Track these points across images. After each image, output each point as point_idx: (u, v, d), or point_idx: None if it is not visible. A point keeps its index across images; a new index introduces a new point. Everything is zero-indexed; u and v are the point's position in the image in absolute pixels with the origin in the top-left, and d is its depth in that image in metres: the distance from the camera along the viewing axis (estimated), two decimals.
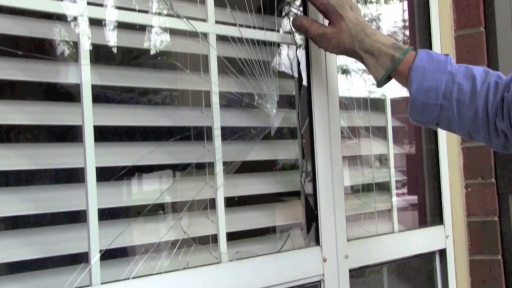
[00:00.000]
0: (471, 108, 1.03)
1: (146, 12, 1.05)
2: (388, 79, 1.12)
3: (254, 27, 1.19)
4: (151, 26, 1.08)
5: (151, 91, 1.15)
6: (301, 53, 1.29)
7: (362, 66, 1.31)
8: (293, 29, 1.19)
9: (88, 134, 0.94)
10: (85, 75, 0.95)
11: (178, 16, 1.08)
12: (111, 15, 1.00)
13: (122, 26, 1.03)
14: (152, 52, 1.15)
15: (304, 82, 1.30)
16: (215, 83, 1.12)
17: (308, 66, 1.28)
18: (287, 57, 1.25)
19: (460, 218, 1.70)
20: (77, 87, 0.95)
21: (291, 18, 1.18)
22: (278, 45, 1.25)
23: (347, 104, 1.50)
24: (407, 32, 1.80)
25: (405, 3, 1.79)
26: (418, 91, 1.04)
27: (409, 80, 1.05)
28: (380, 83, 1.11)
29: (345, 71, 1.48)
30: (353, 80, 1.51)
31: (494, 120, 1.02)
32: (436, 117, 1.06)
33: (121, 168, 1.03)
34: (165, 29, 1.09)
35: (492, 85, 1.03)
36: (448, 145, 1.69)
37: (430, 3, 1.70)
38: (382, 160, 1.60)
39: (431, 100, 1.04)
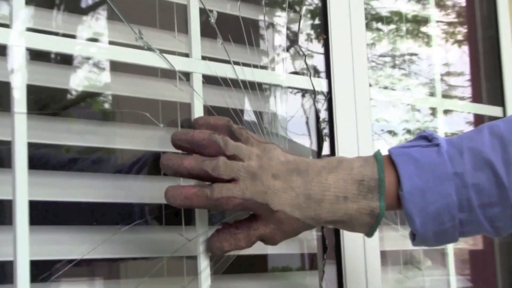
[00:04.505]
0: (505, 207, 0.86)
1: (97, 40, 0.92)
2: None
3: (255, 66, 1.06)
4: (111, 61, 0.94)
5: (109, 155, 1.00)
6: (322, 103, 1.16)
7: None
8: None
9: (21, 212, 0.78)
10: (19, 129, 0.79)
11: (149, 49, 0.94)
12: (51, 43, 0.85)
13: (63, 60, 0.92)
14: (109, 98, 0.99)
15: None
16: None
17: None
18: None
19: None
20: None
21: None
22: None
23: None
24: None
25: None
26: (425, 224, 0.87)
27: (408, 215, 0.87)
28: (371, 235, 0.94)
29: None
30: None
31: None
32: (457, 235, 0.89)
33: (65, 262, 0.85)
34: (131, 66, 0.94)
35: None
36: None
37: None
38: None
39: (446, 224, 0.87)
